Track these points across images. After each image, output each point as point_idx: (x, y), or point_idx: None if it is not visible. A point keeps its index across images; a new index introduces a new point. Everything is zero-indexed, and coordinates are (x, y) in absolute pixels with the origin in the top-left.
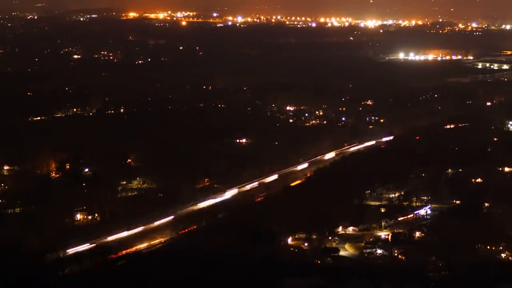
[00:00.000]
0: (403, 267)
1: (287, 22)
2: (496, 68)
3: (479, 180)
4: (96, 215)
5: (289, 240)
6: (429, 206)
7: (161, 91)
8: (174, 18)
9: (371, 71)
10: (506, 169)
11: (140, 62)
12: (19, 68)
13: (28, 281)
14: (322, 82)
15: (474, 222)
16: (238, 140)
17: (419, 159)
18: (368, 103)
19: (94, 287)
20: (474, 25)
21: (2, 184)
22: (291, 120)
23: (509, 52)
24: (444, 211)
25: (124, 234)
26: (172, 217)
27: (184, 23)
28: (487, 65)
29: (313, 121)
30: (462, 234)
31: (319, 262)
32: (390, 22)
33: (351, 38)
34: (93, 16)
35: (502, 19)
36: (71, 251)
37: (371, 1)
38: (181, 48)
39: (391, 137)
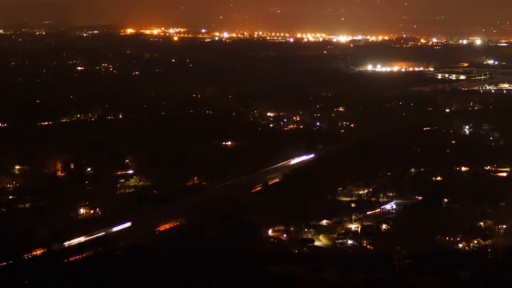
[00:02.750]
0: (371, 255)
1: (268, 38)
2: (454, 78)
3: (438, 178)
4: (97, 209)
5: (270, 232)
6: (394, 201)
7: (155, 99)
8: (167, 34)
9: (343, 81)
10: (463, 168)
11: (136, 73)
12: (28, 78)
13: (36, 268)
14: (299, 91)
15: (434, 216)
16: (224, 143)
17: (385, 159)
18: (340, 109)
19: (96, 273)
20: (434, 40)
21: (14, 182)
22: (271, 125)
23: (465, 64)
24: (407, 206)
25: (122, 226)
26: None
27: (176, 38)
28: (446, 75)
29: (291, 126)
30: (423, 226)
31: (296, 251)
32: (359, 37)
33: (324, 51)
34: (94, 32)
35: (460, 35)
36: (75, 241)
37: (343, 19)
38: (173, 60)
39: (361, 140)
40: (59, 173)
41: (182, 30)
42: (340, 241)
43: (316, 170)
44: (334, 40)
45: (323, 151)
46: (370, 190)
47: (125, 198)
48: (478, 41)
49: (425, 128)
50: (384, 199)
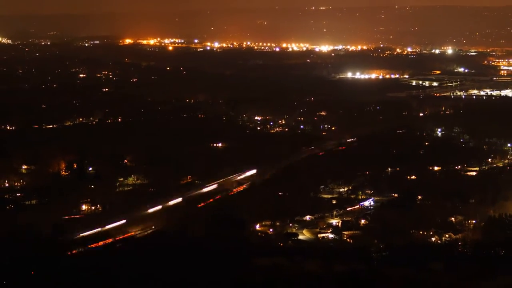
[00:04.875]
0: (351, 248)
1: (255, 47)
2: (427, 85)
3: (413, 177)
4: (98, 206)
5: (257, 227)
6: (372, 198)
7: (152, 104)
8: (162, 44)
9: (325, 87)
10: (435, 168)
11: (134, 80)
12: (35, 85)
13: (42, 259)
14: (284, 96)
15: (409, 212)
16: (215, 144)
17: (364, 160)
18: (322, 113)
19: (98, 263)
20: (409, 49)
21: (21, 180)
22: (258, 128)
23: (438, 72)
24: (384, 203)
25: (120, 223)
26: (159, 207)
27: (170, 48)
28: (420, 82)
29: (277, 129)
30: (399, 221)
31: (282, 244)
32: (340, 47)
33: (308, 60)
34: (95, 42)
35: (432, 44)
36: (79, 234)
37: (324, 30)
38: (168, 68)
39: (341, 142)
40: (63, 173)
41: (177, 40)
42: (322, 235)
43: (300, 169)
44: (317, 49)
45: (306, 152)
46: (350, 188)
47: (124, 195)
48: (449, 51)
49: (400, 131)
50: (363, 196)
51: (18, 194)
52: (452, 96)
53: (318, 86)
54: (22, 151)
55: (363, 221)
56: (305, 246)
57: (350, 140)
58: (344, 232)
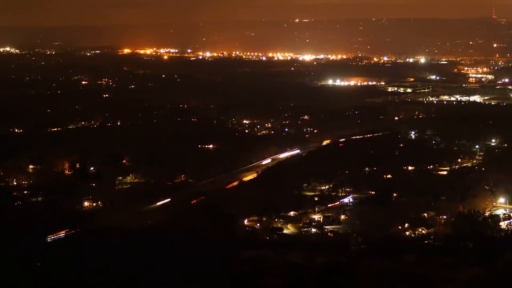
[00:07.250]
0: (331, 242)
1: (244, 56)
2: (402, 91)
3: (389, 176)
4: (99, 202)
5: (245, 222)
6: (351, 195)
7: (148, 109)
8: (158, 53)
9: (308, 94)
10: (410, 167)
11: (132, 86)
12: (40, 91)
13: (46, 252)
14: (270, 102)
15: (385, 208)
16: (206, 146)
17: (343, 160)
18: (305, 117)
19: (98, 256)
20: (385, 58)
21: (28, 179)
22: (246, 131)
23: (411, 79)
24: (362, 200)
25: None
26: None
27: (165, 57)
28: (395, 89)
29: (263, 132)
30: (376, 217)
31: (268, 238)
32: (322, 56)
33: (292, 68)
34: (96, 51)
35: (406, 54)
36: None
37: (307, 40)
38: (163, 76)
39: (323, 144)
40: (67, 172)
41: (171, 50)
42: (305, 229)
43: (285, 169)
44: (300, 58)
45: (290, 153)
46: (331, 186)
47: (122, 193)
48: (422, 60)
49: (377, 133)
50: (342, 194)
51: (25, 192)
52: (425, 102)
53: (301, 92)
54: (29, 152)
55: (343, 217)
56: (290, 240)
57: (330, 142)
58: (325, 227)
